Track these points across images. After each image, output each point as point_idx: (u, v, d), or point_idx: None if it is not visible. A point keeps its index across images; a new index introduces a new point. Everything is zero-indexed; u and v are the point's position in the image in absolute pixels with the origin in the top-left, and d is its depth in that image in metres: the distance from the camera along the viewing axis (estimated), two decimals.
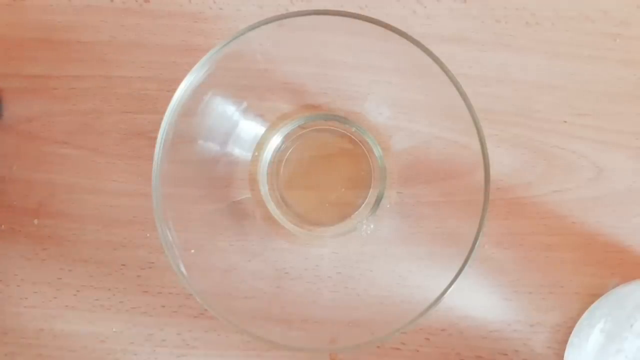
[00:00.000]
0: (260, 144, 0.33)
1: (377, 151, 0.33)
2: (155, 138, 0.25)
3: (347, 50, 0.29)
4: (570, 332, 0.32)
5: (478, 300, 0.33)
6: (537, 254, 0.33)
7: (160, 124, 0.25)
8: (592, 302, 0.32)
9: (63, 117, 0.33)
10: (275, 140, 0.33)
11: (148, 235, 0.33)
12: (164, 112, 0.25)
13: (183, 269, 0.25)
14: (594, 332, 0.31)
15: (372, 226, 0.32)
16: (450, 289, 0.25)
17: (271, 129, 0.33)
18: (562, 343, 0.32)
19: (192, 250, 0.27)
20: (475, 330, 0.33)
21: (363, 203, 0.33)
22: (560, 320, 0.32)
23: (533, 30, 0.33)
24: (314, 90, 0.32)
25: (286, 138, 0.33)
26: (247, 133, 0.32)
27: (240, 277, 0.30)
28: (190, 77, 0.25)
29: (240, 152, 0.32)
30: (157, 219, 0.25)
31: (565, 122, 0.33)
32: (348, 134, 0.33)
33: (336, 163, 0.33)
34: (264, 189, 0.33)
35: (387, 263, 0.31)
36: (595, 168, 0.33)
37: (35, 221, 0.33)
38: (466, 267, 0.24)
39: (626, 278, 0.32)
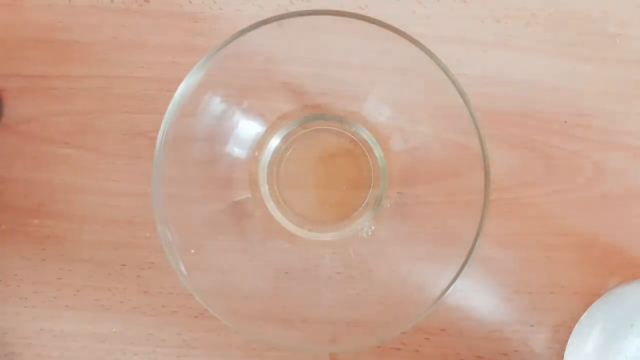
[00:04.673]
0: (260, 144, 0.33)
1: (377, 151, 0.33)
2: (155, 138, 0.25)
3: (347, 50, 0.29)
4: (570, 332, 0.32)
5: (478, 300, 0.33)
6: (537, 254, 0.33)
7: (160, 124, 0.25)
8: (592, 302, 0.32)
9: (63, 117, 0.33)
10: (275, 140, 0.33)
11: (148, 235, 0.33)
12: (164, 112, 0.25)
13: (183, 269, 0.25)
14: (594, 332, 0.31)
15: (372, 226, 0.32)
16: (450, 289, 0.25)
17: (271, 129, 0.33)
18: (562, 343, 0.32)
19: (192, 250, 0.27)
20: (475, 330, 0.33)
21: (363, 203, 0.33)
22: (560, 320, 0.32)
23: (533, 30, 0.33)
24: (314, 90, 0.32)
25: (286, 138, 0.33)
26: (247, 133, 0.32)
27: (240, 277, 0.30)
28: (190, 77, 0.25)
29: (240, 152, 0.32)
30: (157, 219, 0.25)
31: (565, 122, 0.33)
32: (348, 134, 0.33)
33: (336, 163, 0.33)
34: (264, 189, 0.33)
35: (387, 263, 0.31)
36: (595, 168, 0.33)
37: (35, 221, 0.33)
38: (466, 267, 0.24)
39: (626, 278, 0.32)
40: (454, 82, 0.24)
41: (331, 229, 0.33)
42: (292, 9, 0.33)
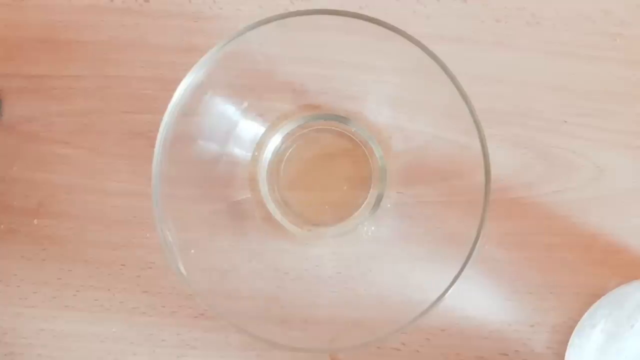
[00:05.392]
0: (260, 144, 0.33)
1: (377, 151, 0.33)
2: (155, 138, 0.25)
3: (347, 50, 0.29)
4: (570, 332, 0.32)
5: (478, 300, 0.33)
6: (537, 254, 0.33)
7: (160, 124, 0.25)
8: (592, 302, 0.32)
9: (63, 117, 0.33)
10: (275, 140, 0.33)
11: (148, 235, 0.33)
12: (164, 112, 0.25)
13: (183, 269, 0.25)
14: (594, 332, 0.31)
15: (372, 226, 0.32)
16: (451, 289, 0.25)
17: (271, 129, 0.33)
18: (562, 343, 0.32)
19: (192, 250, 0.27)
20: (475, 331, 0.33)
21: (363, 203, 0.33)
22: (560, 320, 0.32)
23: (533, 30, 0.33)
24: (314, 90, 0.32)
25: (286, 138, 0.33)
26: (247, 133, 0.32)
27: (240, 277, 0.30)
28: (190, 77, 0.25)
29: (240, 152, 0.32)
30: (157, 219, 0.25)
31: (565, 122, 0.33)
32: (348, 134, 0.33)
33: (336, 163, 0.33)
34: (264, 189, 0.33)
35: (387, 263, 0.31)
36: (595, 168, 0.33)
37: (35, 221, 0.33)
38: (466, 267, 0.24)
39: (626, 278, 0.32)
40: (454, 82, 0.24)
41: (331, 229, 0.33)
42: (292, 9, 0.33)
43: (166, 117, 0.25)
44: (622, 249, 0.32)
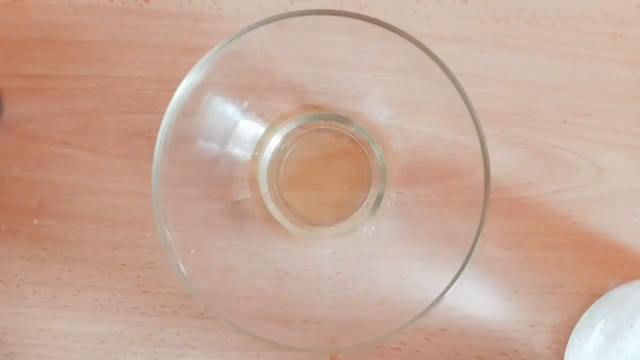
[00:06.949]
0: (260, 144, 0.33)
1: (377, 151, 0.33)
2: (155, 138, 0.25)
3: (347, 50, 0.29)
4: (570, 332, 0.32)
5: (478, 300, 0.33)
6: (537, 254, 0.33)
7: (160, 124, 0.25)
8: (592, 302, 0.32)
9: (63, 117, 0.33)
10: (275, 140, 0.33)
11: (148, 235, 0.33)
12: (164, 112, 0.25)
13: (183, 269, 0.25)
14: (594, 332, 0.31)
15: (372, 226, 0.32)
16: (451, 289, 0.25)
17: (271, 129, 0.33)
18: (562, 343, 0.32)
19: (192, 250, 0.27)
20: (475, 330, 0.33)
21: (363, 203, 0.33)
22: (560, 320, 0.32)
23: (533, 30, 0.33)
24: (314, 90, 0.32)
25: (286, 138, 0.33)
26: (247, 133, 0.32)
27: (240, 277, 0.30)
28: (190, 77, 0.25)
29: (240, 152, 0.32)
30: (157, 219, 0.25)
31: (565, 122, 0.33)
32: (348, 134, 0.33)
33: (336, 163, 0.33)
34: (264, 189, 0.33)
35: (387, 263, 0.31)
36: (595, 168, 0.33)
37: (35, 221, 0.33)
38: (466, 267, 0.24)
39: (626, 278, 0.32)
40: (454, 82, 0.24)
41: (331, 229, 0.33)
42: (292, 9, 0.33)
43: (166, 117, 0.25)
44: (622, 249, 0.33)
